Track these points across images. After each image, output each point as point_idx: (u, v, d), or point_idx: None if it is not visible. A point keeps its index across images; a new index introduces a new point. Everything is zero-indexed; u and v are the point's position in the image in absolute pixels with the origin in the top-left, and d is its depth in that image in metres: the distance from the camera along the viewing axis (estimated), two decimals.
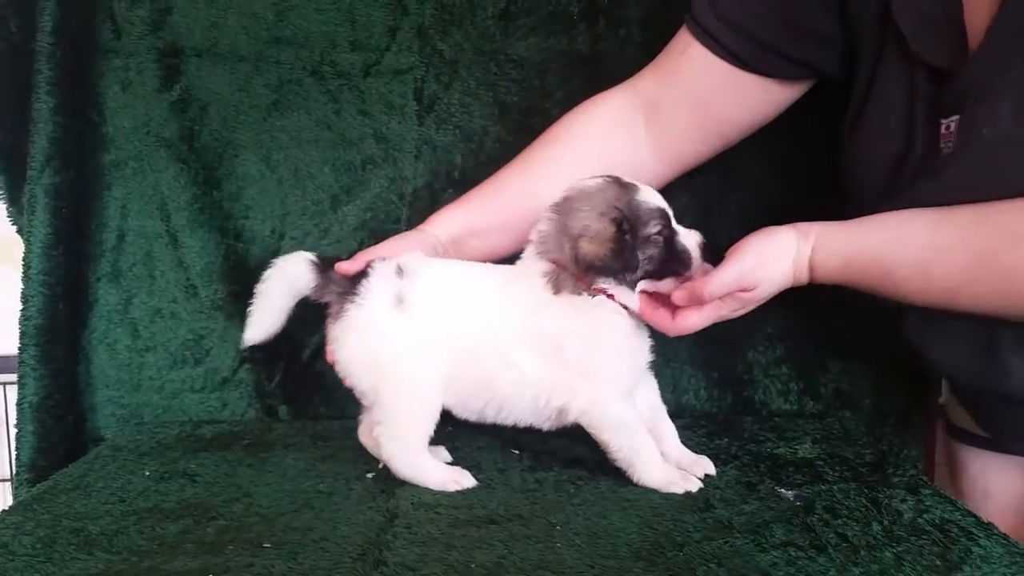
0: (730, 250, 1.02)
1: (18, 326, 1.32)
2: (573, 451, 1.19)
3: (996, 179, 0.94)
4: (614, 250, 0.99)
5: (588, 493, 1.04)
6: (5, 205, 1.38)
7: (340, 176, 1.41)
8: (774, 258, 1.02)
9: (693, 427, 1.30)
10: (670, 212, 1.04)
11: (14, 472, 1.35)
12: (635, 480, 1.05)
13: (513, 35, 1.38)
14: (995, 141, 0.93)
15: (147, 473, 1.13)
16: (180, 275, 1.39)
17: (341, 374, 1.09)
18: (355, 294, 1.05)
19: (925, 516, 0.95)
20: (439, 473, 1.06)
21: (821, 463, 1.14)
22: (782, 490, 1.04)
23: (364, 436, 1.16)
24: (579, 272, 1.01)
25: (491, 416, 1.09)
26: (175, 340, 1.40)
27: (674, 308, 1.04)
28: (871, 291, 1.03)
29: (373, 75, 1.39)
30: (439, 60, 1.39)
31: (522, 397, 1.05)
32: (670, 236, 1.03)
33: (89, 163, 1.38)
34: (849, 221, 1.03)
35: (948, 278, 0.96)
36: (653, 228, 1.02)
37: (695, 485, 1.03)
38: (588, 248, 0.99)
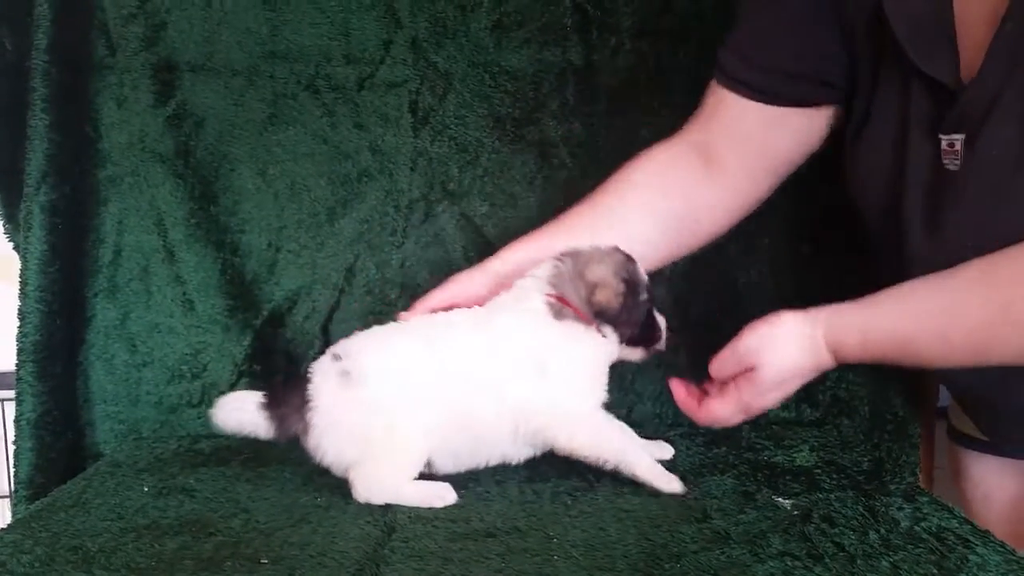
0: (738, 335, 1.06)
1: (15, 343, 1.32)
2: (569, 462, 1.18)
3: (1010, 201, 0.94)
4: (623, 304, 1.09)
5: (585, 504, 1.03)
6: (1, 222, 1.39)
7: (336, 189, 1.41)
8: (774, 341, 1.04)
9: (691, 436, 1.30)
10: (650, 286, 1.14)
11: (13, 489, 1.35)
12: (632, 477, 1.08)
13: (506, 47, 1.39)
14: (1005, 162, 0.93)
15: (145, 489, 1.13)
16: (177, 290, 1.40)
17: (338, 472, 1.08)
18: (308, 401, 1.05)
19: (922, 524, 0.95)
20: (421, 493, 1.05)
21: (818, 471, 1.14)
22: (779, 499, 1.04)
23: None
24: (588, 314, 1.09)
25: (469, 460, 1.10)
26: (172, 355, 1.40)
27: (700, 398, 1.10)
28: (898, 364, 1.03)
29: (368, 88, 1.40)
30: (433, 72, 1.40)
31: (501, 428, 1.07)
32: (650, 308, 1.14)
33: (85, 179, 1.38)
34: (860, 300, 1.03)
35: (968, 339, 0.94)
36: (644, 295, 1.11)
37: (680, 486, 1.06)
38: (602, 296, 1.08)
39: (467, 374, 1.06)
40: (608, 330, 1.10)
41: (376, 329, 1.11)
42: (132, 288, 1.39)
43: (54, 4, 1.32)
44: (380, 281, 1.41)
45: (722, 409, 1.07)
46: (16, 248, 1.38)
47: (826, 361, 1.04)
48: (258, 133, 1.40)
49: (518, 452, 1.11)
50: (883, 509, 0.99)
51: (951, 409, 1.27)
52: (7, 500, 1.59)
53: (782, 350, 1.04)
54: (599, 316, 1.09)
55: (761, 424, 1.38)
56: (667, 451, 1.16)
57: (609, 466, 1.07)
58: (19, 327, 1.32)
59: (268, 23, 1.38)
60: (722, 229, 1.21)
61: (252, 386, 1.40)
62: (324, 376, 1.06)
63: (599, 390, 1.10)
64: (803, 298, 1.05)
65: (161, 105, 1.38)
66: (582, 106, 1.40)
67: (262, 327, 1.40)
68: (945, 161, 0.99)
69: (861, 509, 0.99)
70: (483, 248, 1.40)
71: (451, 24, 1.39)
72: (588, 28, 1.39)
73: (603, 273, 1.09)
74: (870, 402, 1.41)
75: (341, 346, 1.09)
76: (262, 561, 0.89)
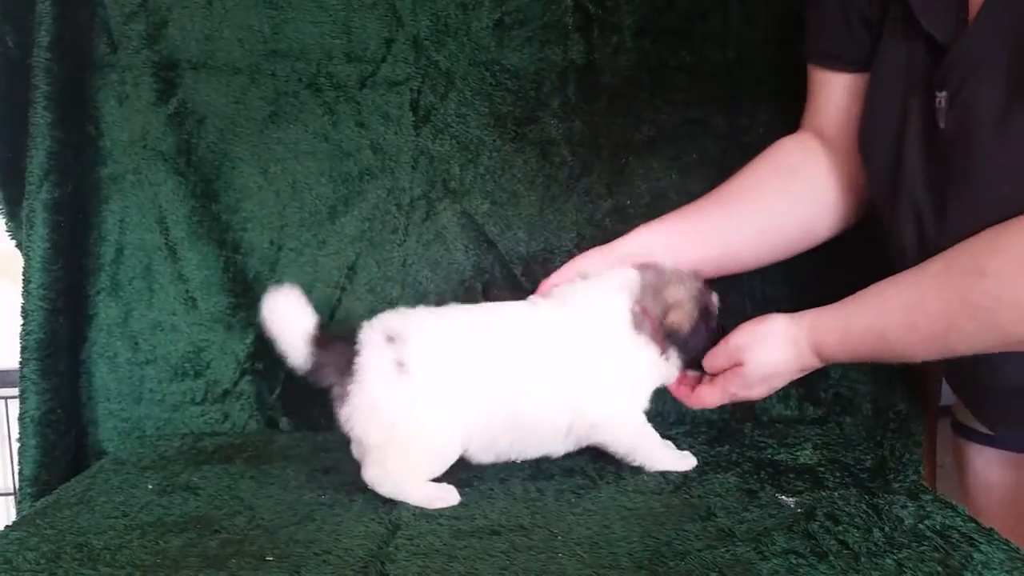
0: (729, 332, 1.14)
1: (19, 341, 1.32)
2: (573, 459, 1.19)
3: (991, 159, 0.94)
4: (693, 330, 1.13)
5: (589, 502, 1.04)
6: (4, 220, 1.39)
7: (338, 187, 1.41)
8: (762, 338, 1.10)
9: (694, 434, 1.31)
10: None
11: (17, 486, 1.36)
12: (647, 468, 1.14)
13: (508, 45, 1.39)
14: (987, 123, 0.93)
15: (150, 487, 1.13)
16: (179, 288, 1.40)
17: (356, 450, 1.09)
18: (352, 374, 1.04)
19: (926, 522, 0.95)
20: (425, 492, 1.05)
21: (822, 469, 1.15)
22: (783, 497, 1.04)
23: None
24: (659, 331, 1.12)
25: (513, 452, 1.13)
26: (175, 353, 1.40)
27: (693, 386, 1.19)
28: (878, 360, 1.10)
29: (369, 87, 1.40)
30: (435, 71, 1.40)
31: (555, 424, 1.10)
32: (714, 336, 1.17)
33: (87, 177, 1.38)
34: (842, 300, 1.08)
35: (933, 328, 0.97)
36: (712, 323, 1.16)
37: (692, 462, 1.16)
38: (676, 318, 1.12)
39: (530, 371, 1.07)
40: (672, 353, 1.14)
41: (439, 313, 1.10)
42: (134, 286, 1.39)
43: (56, 2, 1.31)
44: (381, 279, 1.41)
45: (709, 396, 1.16)
46: (19, 246, 1.37)
47: (810, 361, 1.10)
48: (259, 131, 1.39)
49: (562, 448, 1.14)
50: (887, 507, 1.00)
51: (955, 404, 1.27)
52: (11, 497, 1.59)
53: (767, 349, 1.10)
54: (668, 337, 1.12)
55: (764, 422, 1.39)
56: (691, 462, 1.16)
57: (637, 461, 1.14)
58: (22, 325, 1.32)
59: (270, 21, 1.38)
60: (851, 210, 1.21)
61: (254, 384, 1.41)
62: (376, 356, 1.04)
63: (644, 402, 1.16)
64: (794, 295, 1.07)
65: (163, 103, 1.38)
66: (583, 104, 1.40)
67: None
68: (938, 119, 1.00)
69: (865, 507, 1.00)
70: (484, 246, 1.41)
71: (452, 23, 1.39)
72: (589, 27, 1.39)
73: (681, 296, 1.13)
74: (873, 400, 1.41)
75: (396, 324, 1.07)
76: (267, 559, 0.90)
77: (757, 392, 1.14)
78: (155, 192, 1.39)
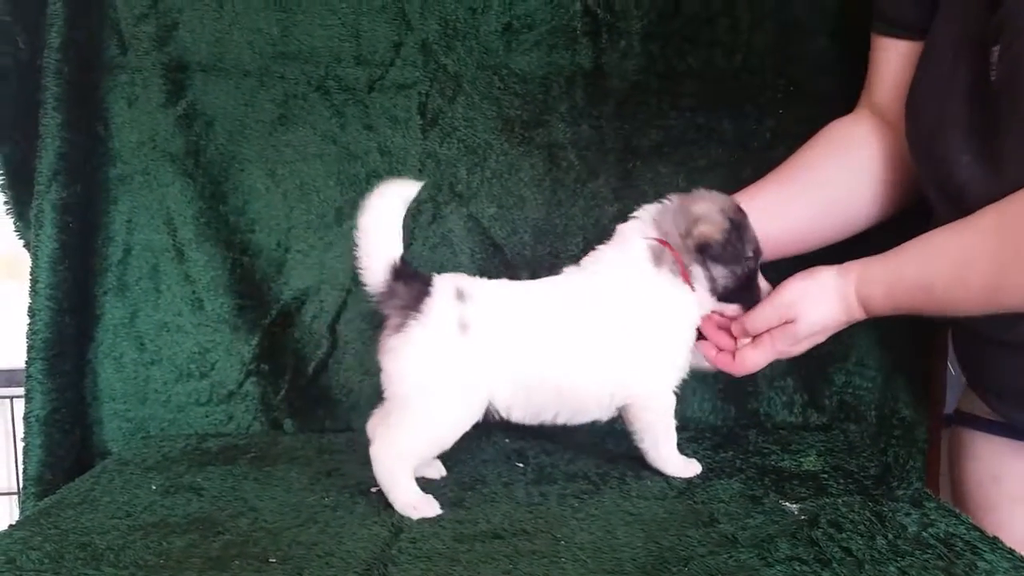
0: (775, 288, 1.12)
1: (25, 340, 1.33)
2: (577, 464, 1.19)
3: None
4: (726, 239, 1.09)
5: (592, 507, 1.04)
6: (13, 220, 1.39)
7: (345, 190, 1.41)
8: (813, 294, 1.09)
9: (698, 440, 1.31)
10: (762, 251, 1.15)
11: (21, 486, 1.36)
12: (649, 459, 1.14)
13: (516, 49, 1.39)
14: None
15: (153, 487, 1.14)
16: (186, 289, 1.40)
17: (384, 383, 1.08)
18: (419, 312, 1.05)
19: (930, 530, 0.95)
20: (409, 496, 1.04)
21: (826, 476, 1.14)
22: (787, 503, 1.04)
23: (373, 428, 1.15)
24: (686, 249, 1.10)
25: (558, 418, 1.13)
26: (181, 353, 1.40)
27: (733, 353, 1.15)
28: (923, 314, 1.07)
29: (378, 90, 1.40)
30: (443, 75, 1.40)
31: (588, 390, 1.10)
32: (755, 269, 1.14)
33: (96, 178, 1.39)
34: (887, 252, 1.07)
35: (984, 281, 0.97)
36: (750, 249, 1.12)
37: (696, 469, 1.15)
38: (705, 229, 1.09)
39: (569, 341, 1.08)
40: (701, 276, 1.11)
41: (502, 283, 1.13)
42: (141, 287, 1.40)
43: (67, 3, 1.32)
44: None
45: (757, 357, 1.13)
46: (27, 246, 1.38)
47: (857, 314, 1.09)
48: (268, 133, 1.40)
49: (604, 414, 1.14)
50: (890, 514, 0.99)
51: (965, 394, 1.26)
52: (15, 496, 1.59)
53: (820, 304, 1.08)
54: (700, 251, 1.10)
55: (768, 428, 1.39)
56: (695, 468, 1.15)
57: (647, 438, 1.13)
58: (29, 324, 1.33)
59: (279, 24, 1.39)
60: (905, 190, 1.20)
61: (259, 386, 1.41)
62: (444, 303, 1.06)
63: (682, 359, 1.13)
64: None
65: (172, 105, 1.39)
66: (591, 109, 1.40)
67: (270, 326, 1.41)
68: (991, 74, 1.00)
69: (868, 514, 0.99)
70: (491, 250, 1.41)
71: (461, 26, 1.39)
72: (597, 31, 1.39)
73: (708, 208, 1.11)
74: (877, 407, 1.41)
75: (467, 283, 1.09)
76: (270, 560, 0.90)
77: (802, 348, 1.13)
78: (163, 193, 1.39)
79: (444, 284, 1.08)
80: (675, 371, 1.13)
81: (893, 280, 1.05)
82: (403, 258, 1.07)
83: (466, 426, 1.07)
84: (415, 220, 1.41)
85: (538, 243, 1.41)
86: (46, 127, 1.32)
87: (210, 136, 1.40)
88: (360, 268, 1.06)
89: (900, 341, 1.40)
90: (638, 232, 1.13)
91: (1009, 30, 0.97)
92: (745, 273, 1.12)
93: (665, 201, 1.14)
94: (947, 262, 1.00)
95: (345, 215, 1.41)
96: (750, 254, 1.12)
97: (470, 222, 1.41)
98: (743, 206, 1.14)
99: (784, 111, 1.39)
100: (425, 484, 1.08)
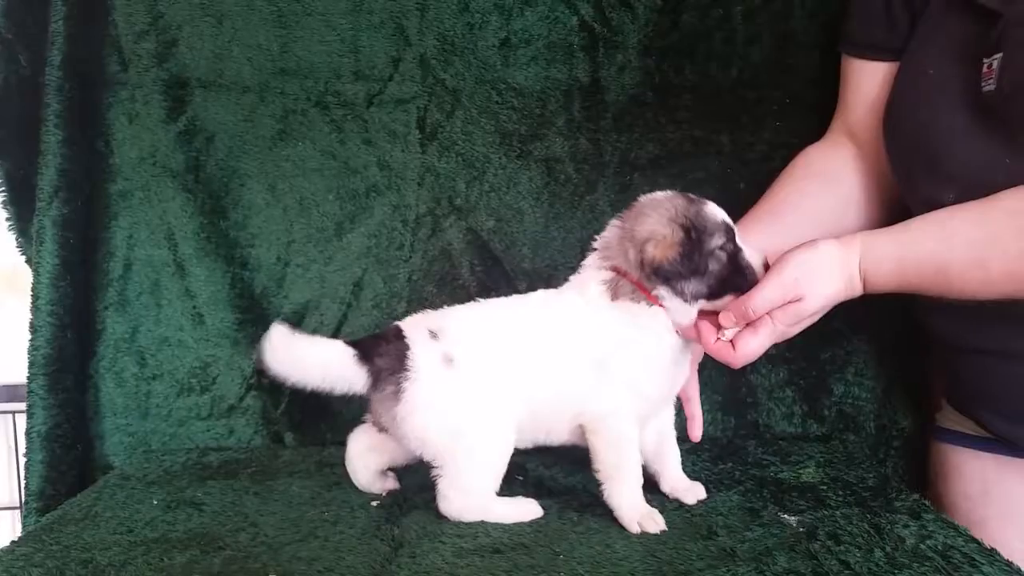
0: (772, 264, 1.03)
1: (27, 356, 1.34)
2: (576, 477, 1.19)
3: None
4: (682, 254, 1.00)
5: (592, 521, 1.04)
6: (14, 235, 1.40)
7: (344, 204, 1.42)
8: (817, 269, 1.01)
9: (697, 451, 1.31)
10: (735, 227, 1.05)
11: (23, 501, 1.37)
12: (604, 497, 1.04)
13: (514, 64, 1.40)
14: None
15: (155, 502, 1.14)
16: (187, 303, 1.41)
17: (412, 446, 1.07)
18: (406, 371, 1.04)
19: (928, 542, 0.95)
20: (508, 509, 1.05)
21: (824, 487, 1.15)
22: (785, 516, 1.04)
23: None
24: (643, 276, 1.02)
25: (540, 439, 1.10)
26: (182, 368, 1.41)
27: (733, 340, 1.04)
28: (929, 293, 1.03)
29: (376, 105, 1.41)
30: (441, 89, 1.41)
31: (563, 415, 1.06)
32: (734, 251, 1.04)
33: (96, 194, 1.40)
34: (893, 227, 1.03)
35: (1008, 267, 0.96)
36: (718, 240, 1.02)
37: (658, 527, 1.00)
38: (655, 252, 1.01)
39: (533, 363, 1.05)
40: (668, 295, 1.02)
41: (460, 309, 1.10)
42: (142, 302, 1.41)
43: (68, 21, 1.34)
44: (387, 295, 1.42)
45: (756, 343, 1.02)
46: (28, 261, 1.39)
47: (856, 289, 1.03)
48: (268, 149, 1.41)
49: (576, 437, 1.09)
50: (889, 526, 1.00)
51: (944, 412, 1.26)
52: (18, 511, 1.60)
53: (826, 278, 1.01)
54: (656, 276, 1.01)
55: (767, 439, 1.39)
56: (701, 493, 1.11)
57: (602, 471, 1.04)
58: (30, 340, 1.34)
59: (278, 40, 1.40)
60: (883, 210, 1.21)
61: (260, 400, 1.41)
62: (424, 352, 1.04)
63: (644, 383, 1.05)
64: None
65: (172, 121, 1.40)
66: (588, 123, 1.41)
67: None
68: (983, 84, 1.01)
69: (867, 526, 1.00)
70: (489, 262, 1.41)
71: (459, 42, 1.40)
72: (595, 46, 1.40)
73: (652, 225, 1.02)
74: (876, 418, 1.41)
75: (432, 320, 1.08)
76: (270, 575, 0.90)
77: (804, 326, 1.04)
78: (164, 209, 1.40)
79: (415, 331, 1.06)
80: (631, 394, 1.04)
81: (904, 256, 1.00)
82: (352, 341, 1.07)
83: (507, 437, 1.05)
84: (414, 234, 1.42)
85: (536, 256, 1.42)
86: (47, 143, 1.33)
87: (210, 152, 1.41)
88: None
89: (899, 352, 1.40)
90: (594, 265, 1.07)
91: (1011, 41, 0.99)
92: (722, 266, 1.03)
93: (613, 226, 1.07)
94: (964, 244, 0.98)
95: (345, 229, 1.42)
96: (720, 243, 1.02)
97: (469, 235, 1.42)
98: (745, 236, 1.08)
99: (780, 123, 1.40)
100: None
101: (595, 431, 1.05)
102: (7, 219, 1.39)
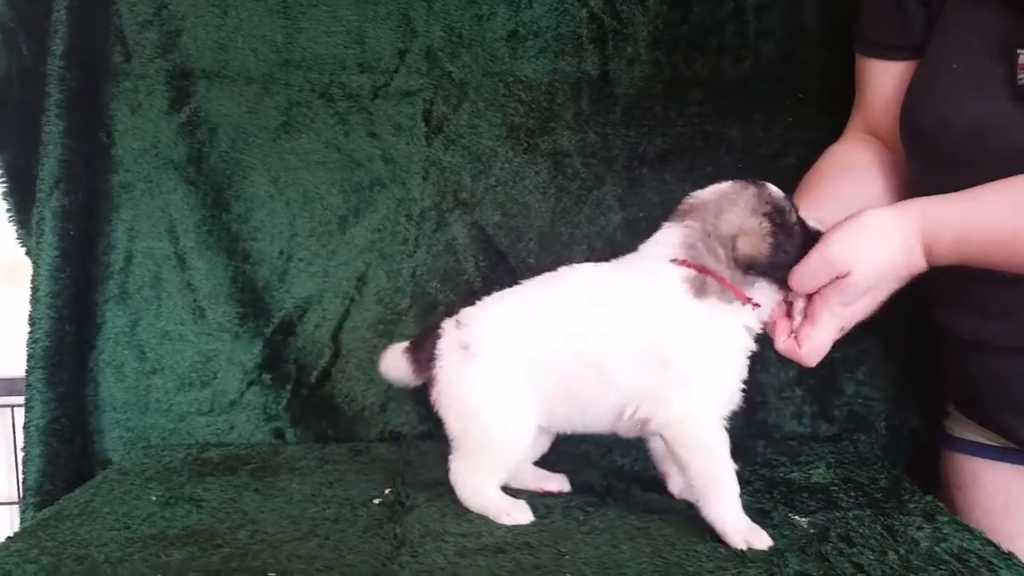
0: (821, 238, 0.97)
1: (25, 349, 1.32)
2: (582, 476, 1.17)
3: None
4: (773, 244, 0.97)
5: (597, 520, 1.02)
6: (14, 227, 1.39)
7: (348, 197, 1.40)
8: (865, 239, 0.94)
9: None
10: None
11: (21, 495, 1.35)
12: (703, 514, 0.96)
13: (522, 57, 1.38)
14: None
15: (153, 498, 1.12)
16: (188, 297, 1.39)
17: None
18: (436, 358, 1.07)
19: (942, 545, 0.93)
20: (499, 503, 1.04)
21: (835, 488, 1.13)
22: (796, 517, 1.02)
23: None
24: (735, 274, 0.98)
25: (575, 425, 1.07)
26: (182, 362, 1.39)
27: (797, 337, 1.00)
28: (990, 267, 0.96)
29: (382, 97, 1.39)
30: (448, 82, 1.39)
31: (604, 403, 1.01)
32: (803, 223, 1.00)
33: (98, 185, 1.38)
34: (952, 194, 0.96)
35: None
36: (792, 216, 0.99)
37: (766, 543, 0.93)
38: (748, 247, 0.97)
39: (579, 352, 1.00)
40: (763, 287, 0.99)
41: (497, 298, 1.10)
42: (142, 295, 1.39)
43: (71, 10, 1.32)
44: (391, 290, 1.40)
45: (819, 334, 0.97)
46: (28, 253, 1.37)
47: (917, 261, 0.95)
48: (271, 141, 1.39)
49: (627, 430, 1.04)
50: (902, 528, 0.97)
51: (953, 420, 1.23)
52: (15, 506, 1.58)
53: (873, 247, 0.94)
54: (752, 270, 0.97)
55: (777, 439, 1.37)
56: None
57: (696, 485, 0.97)
58: (29, 333, 1.32)
59: (283, 31, 1.38)
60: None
61: (261, 395, 1.40)
62: (448, 340, 1.07)
63: (732, 386, 1.00)
64: None
65: (175, 112, 1.38)
66: (597, 116, 1.39)
67: (273, 335, 1.40)
68: (1019, 76, 0.98)
69: (879, 528, 0.98)
70: (494, 258, 1.40)
71: (466, 34, 1.38)
72: (604, 38, 1.38)
73: (738, 219, 0.98)
74: (888, 417, 1.39)
75: (472, 308, 1.09)
76: (269, 574, 0.88)
77: (863, 307, 0.98)
78: (165, 201, 1.39)
79: (449, 321, 1.09)
80: (717, 398, 0.98)
81: (968, 225, 0.93)
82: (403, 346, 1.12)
83: (524, 426, 1.04)
84: (419, 228, 1.40)
85: (543, 251, 1.40)
86: (48, 134, 1.31)
87: (213, 143, 1.39)
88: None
89: (911, 350, 1.38)
90: (668, 267, 1.00)
91: None
92: (799, 236, 0.99)
93: (688, 227, 1.00)
94: None
95: (349, 223, 1.40)
96: (794, 218, 0.99)
97: (475, 230, 1.40)
98: None
99: (792, 119, 1.37)
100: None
101: (678, 442, 0.97)
102: (7, 210, 1.37)
